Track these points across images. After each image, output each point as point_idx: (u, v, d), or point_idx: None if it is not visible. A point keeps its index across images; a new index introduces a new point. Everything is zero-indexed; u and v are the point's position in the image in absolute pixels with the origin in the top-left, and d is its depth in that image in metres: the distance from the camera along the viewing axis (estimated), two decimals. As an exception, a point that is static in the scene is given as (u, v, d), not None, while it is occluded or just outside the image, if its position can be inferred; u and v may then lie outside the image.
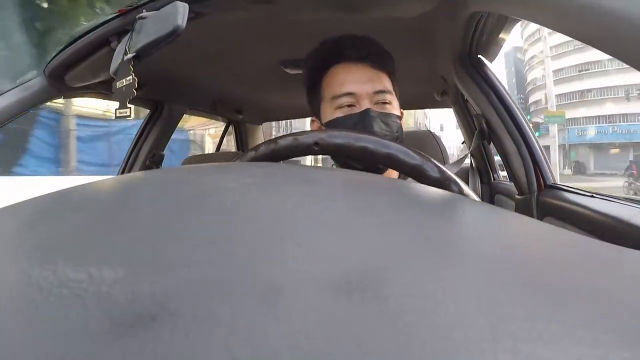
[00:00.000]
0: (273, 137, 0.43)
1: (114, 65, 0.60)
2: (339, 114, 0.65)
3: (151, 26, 0.58)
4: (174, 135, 1.46)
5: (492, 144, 0.94)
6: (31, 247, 0.16)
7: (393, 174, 0.69)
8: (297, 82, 1.23)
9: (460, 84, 0.92)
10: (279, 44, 0.98)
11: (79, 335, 0.11)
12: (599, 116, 32.18)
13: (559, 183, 0.82)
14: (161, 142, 1.39)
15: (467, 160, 1.19)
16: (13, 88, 0.80)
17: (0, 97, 0.77)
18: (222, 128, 1.84)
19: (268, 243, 0.15)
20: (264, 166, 0.29)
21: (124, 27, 0.67)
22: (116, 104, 0.58)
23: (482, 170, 1.31)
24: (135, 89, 0.56)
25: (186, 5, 0.55)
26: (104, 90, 1.00)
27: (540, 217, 0.78)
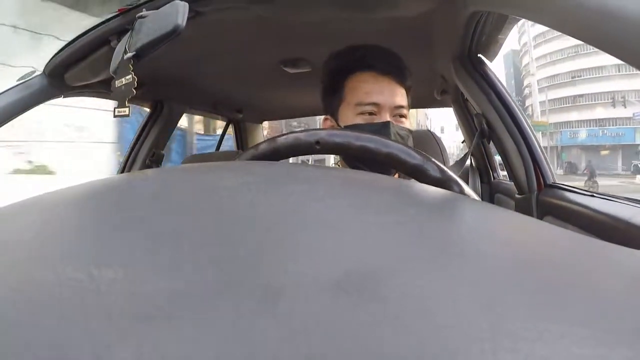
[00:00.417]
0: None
1: (113, 64, 0.60)
2: (360, 120, 0.69)
3: (151, 25, 0.57)
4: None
5: (492, 143, 0.94)
6: (33, 246, 0.16)
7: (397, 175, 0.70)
8: (297, 81, 1.23)
9: (460, 83, 0.92)
10: (279, 43, 0.98)
11: (76, 338, 0.11)
12: (589, 120, 34.24)
13: (559, 182, 0.82)
14: (161, 142, 1.39)
15: (467, 160, 1.19)
16: (13, 87, 0.80)
17: (0, 96, 0.77)
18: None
19: (267, 243, 0.15)
20: (264, 165, 0.29)
21: (123, 27, 0.67)
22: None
23: (482, 170, 1.31)
24: (135, 88, 0.56)
25: (186, 5, 0.54)
26: (104, 89, 1.00)
27: (540, 217, 0.78)
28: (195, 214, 0.18)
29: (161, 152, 1.39)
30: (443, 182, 0.37)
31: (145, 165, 1.36)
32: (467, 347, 0.10)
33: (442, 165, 0.38)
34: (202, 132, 6.87)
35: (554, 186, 0.79)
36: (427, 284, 0.13)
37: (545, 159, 0.82)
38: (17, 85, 0.80)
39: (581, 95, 34.73)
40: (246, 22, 0.83)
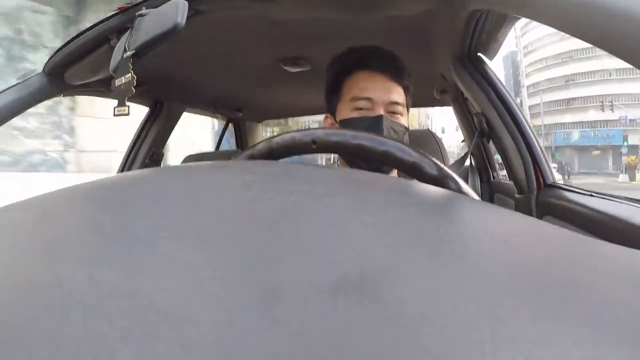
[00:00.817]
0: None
1: (113, 63, 0.60)
2: (355, 114, 0.72)
3: (150, 24, 0.57)
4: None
5: (491, 142, 0.94)
6: (35, 246, 0.16)
7: (395, 173, 0.71)
8: (297, 80, 1.23)
9: (459, 83, 0.92)
10: (279, 42, 0.98)
11: (76, 339, 0.11)
12: (582, 122, 36.96)
13: (558, 182, 0.82)
14: (161, 141, 1.39)
15: (467, 159, 1.19)
16: (12, 86, 0.79)
17: (0, 95, 0.77)
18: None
19: (266, 242, 0.15)
20: (264, 164, 0.29)
21: (123, 25, 0.67)
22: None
23: (481, 169, 1.31)
24: (134, 87, 0.56)
25: (185, 3, 0.54)
26: (104, 88, 1.00)
27: (540, 216, 0.78)
28: (194, 214, 0.17)
29: (161, 152, 1.39)
30: (440, 179, 0.36)
31: (145, 165, 1.35)
32: (467, 348, 0.10)
33: (439, 163, 0.37)
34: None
35: (554, 186, 0.79)
36: (427, 284, 0.13)
37: (545, 158, 0.82)
38: (16, 84, 0.80)
39: (574, 99, 37.24)
40: (246, 21, 0.83)
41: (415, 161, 0.38)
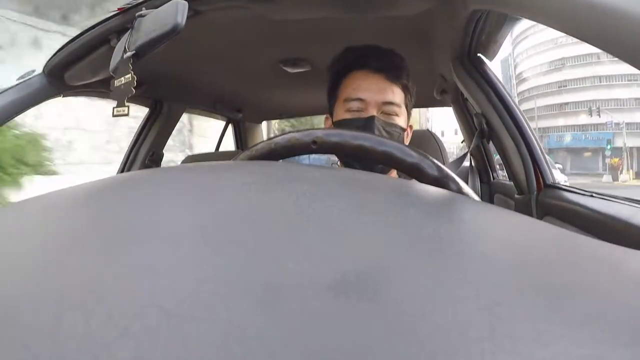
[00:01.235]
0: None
1: (113, 63, 0.60)
2: (348, 115, 0.72)
3: (150, 24, 0.57)
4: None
5: (491, 143, 0.94)
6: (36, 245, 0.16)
7: (395, 173, 0.71)
8: (297, 80, 1.23)
9: (459, 83, 0.92)
10: (279, 43, 0.98)
11: (76, 337, 0.11)
12: (574, 125, 40.01)
13: (558, 183, 0.82)
14: (160, 141, 1.39)
15: (467, 160, 1.19)
16: (12, 86, 0.79)
17: (0, 95, 0.77)
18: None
19: (266, 243, 0.15)
20: (264, 165, 0.29)
21: (123, 25, 0.67)
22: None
23: (481, 170, 1.31)
24: (134, 88, 0.56)
25: (185, 4, 0.54)
26: (104, 89, 1.00)
27: (540, 217, 0.78)
28: (194, 214, 0.17)
29: (161, 152, 1.39)
30: (440, 180, 0.36)
31: (145, 166, 1.35)
32: (467, 348, 0.10)
33: (439, 163, 0.37)
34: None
35: (554, 186, 0.79)
36: (427, 284, 0.13)
37: (545, 159, 0.82)
38: (16, 84, 0.80)
39: (566, 103, 40.16)
40: (246, 21, 0.83)
41: (415, 161, 0.37)
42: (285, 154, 0.43)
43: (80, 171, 4.24)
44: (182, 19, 0.53)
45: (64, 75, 0.83)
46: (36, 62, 0.87)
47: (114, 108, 0.59)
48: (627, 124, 34.94)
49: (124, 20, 0.67)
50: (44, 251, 0.15)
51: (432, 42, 0.93)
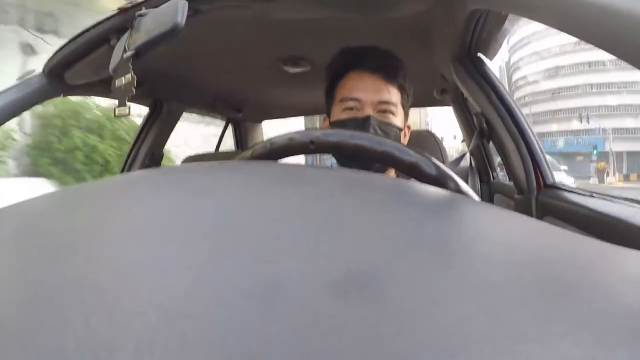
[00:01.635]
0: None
1: (113, 63, 0.60)
2: (344, 115, 0.72)
3: (150, 24, 0.57)
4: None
5: (491, 143, 0.94)
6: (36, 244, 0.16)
7: (393, 173, 0.71)
8: (297, 80, 1.23)
9: (459, 83, 0.92)
10: (278, 42, 0.98)
11: (76, 337, 0.11)
12: (567, 130, 42.75)
13: (558, 183, 0.82)
14: (160, 141, 1.39)
15: (467, 160, 1.19)
16: (12, 86, 0.79)
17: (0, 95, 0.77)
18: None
19: (266, 243, 0.15)
20: (264, 165, 0.29)
21: (123, 25, 0.67)
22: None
23: (481, 170, 1.31)
24: (134, 87, 0.56)
25: (185, 3, 0.54)
26: (104, 88, 0.99)
27: (540, 217, 0.78)
28: (194, 214, 0.17)
29: (161, 152, 1.39)
30: (439, 179, 0.36)
31: (145, 166, 1.35)
32: (467, 348, 0.10)
33: (437, 162, 0.37)
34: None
35: (554, 186, 0.79)
36: (427, 284, 0.13)
37: (545, 159, 0.82)
38: (16, 84, 0.80)
39: (560, 110, 42.79)
40: (246, 21, 0.83)
41: (415, 161, 0.37)
42: (284, 154, 0.43)
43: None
44: (182, 18, 0.53)
45: (64, 75, 0.83)
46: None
47: (115, 108, 0.59)
48: (613, 129, 38.04)
49: (124, 20, 0.67)
50: (44, 251, 0.15)
51: (432, 42, 0.93)
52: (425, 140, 1.08)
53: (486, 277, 0.14)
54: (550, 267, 0.15)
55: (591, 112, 38.75)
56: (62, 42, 0.79)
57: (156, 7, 0.59)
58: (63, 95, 0.90)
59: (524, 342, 0.11)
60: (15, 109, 0.78)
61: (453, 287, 0.13)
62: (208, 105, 1.55)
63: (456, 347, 0.10)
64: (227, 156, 1.33)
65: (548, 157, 0.85)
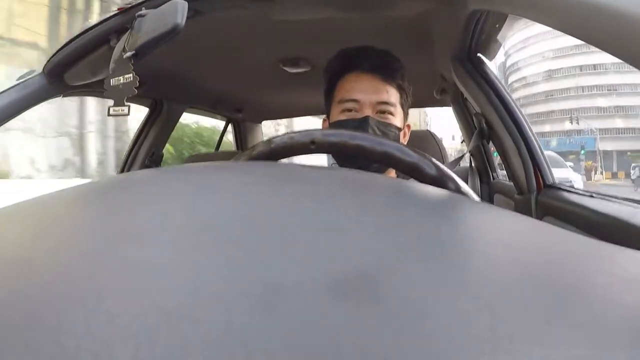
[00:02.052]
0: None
1: (113, 63, 0.60)
2: (343, 116, 0.72)
3: (150, 24, 0.57)
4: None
5: (491, 143, 0.94)
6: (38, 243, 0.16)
7: (393, 173, 0.71)
8: (297, 80, 1.23)
9: (459, 83, 0.92)
10: (278, 43, 0.98)
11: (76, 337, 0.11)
12: (559, 131, 44.69)
13: (558, 183, 0.82)
14: (160, 141, 1.39)
15: (467, 160, 1.19)
16: (12, 87, 0.79)
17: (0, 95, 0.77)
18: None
19: (266, 243, 0.15)
20: (264, 165, 0.29)
21: (123, 25, 0.67)
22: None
23: (481, 170, 1.31)
24: (135, 87, 0.56)
25: (185, 3, 0.54)
26: (104, 89, 1.00)
27: (540, 217, 0.78)
28: (194, 214, 0.17)
29: (161, 152, 1.39)
30: (439, 179, 0.36)
31: (145, 166, 1.35)
32: (467, 347, 0.10)
33: (437, 162, 0.37)
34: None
35: (554, 186, 0.79)
36: (426, 284, 0.13)
37: (545, 159, 0.82)
38: (16, 84, 0.80)
39: (553, 111, 44.77)
40: (246, 22, 0.83)
41: (415, 161, 0.37)
42: (284, 154, 0.43)
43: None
44: (182, 19, 0.54)
45: (63, 75, 0.83)
46: None
47: (109, 107, 0.59)
48: (603, 129, 40.13)
49: (124, 20, 0.67)
50: (44, 251, 0.15)
51: (432, 42, 0.93)
52: (425, 141, 1.08)
53: (486, 278, 0.14)
54: (550, 267, 0.15)
55: (583, 113, 40.88)
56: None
57: (156, 7, 0.59)
58: (63, 96, 0.90)
59: (523, 343, 0.11)
60: (15, 109, 0.78)
61: (453, 288, 0.13)
62: (208, 106, 1.55)
63: (456, 347, 0.10)
64: (228, 156, 1.33)
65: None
